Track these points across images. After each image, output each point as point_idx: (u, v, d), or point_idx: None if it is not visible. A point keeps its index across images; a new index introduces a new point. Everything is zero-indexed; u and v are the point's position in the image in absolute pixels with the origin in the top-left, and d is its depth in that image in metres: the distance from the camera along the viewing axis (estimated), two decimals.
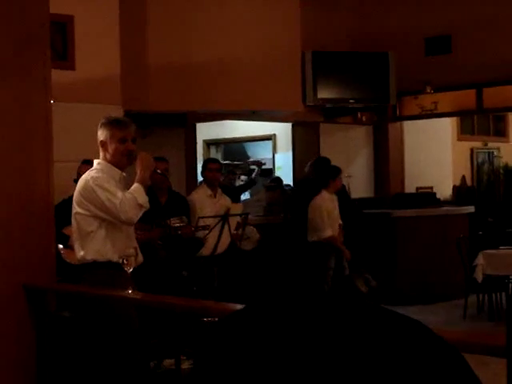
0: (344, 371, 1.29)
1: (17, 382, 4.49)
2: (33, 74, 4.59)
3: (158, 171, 4.90)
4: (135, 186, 4.32)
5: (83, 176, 4.42)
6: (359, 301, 1.48)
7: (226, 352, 1.43)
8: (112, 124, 4.35)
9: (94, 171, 4.33)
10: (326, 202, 7.94)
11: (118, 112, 7.26)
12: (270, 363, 1.39)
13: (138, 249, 4.45)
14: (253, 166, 10.19)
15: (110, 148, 4.31)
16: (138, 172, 4.37)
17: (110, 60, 7.70)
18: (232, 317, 1.60)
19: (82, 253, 4.30)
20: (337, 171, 8.19)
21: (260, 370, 1.41)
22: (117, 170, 4.36)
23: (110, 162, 4.34)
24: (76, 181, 5.88)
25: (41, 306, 4.53)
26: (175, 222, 6.12)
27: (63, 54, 7.34)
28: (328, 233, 7.85)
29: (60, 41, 7.27)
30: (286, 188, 10.09)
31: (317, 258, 7.75)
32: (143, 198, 4.29)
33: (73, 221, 4.39)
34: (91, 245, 4.27)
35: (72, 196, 5.49)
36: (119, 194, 4.23)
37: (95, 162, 4.43)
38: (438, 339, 1.33)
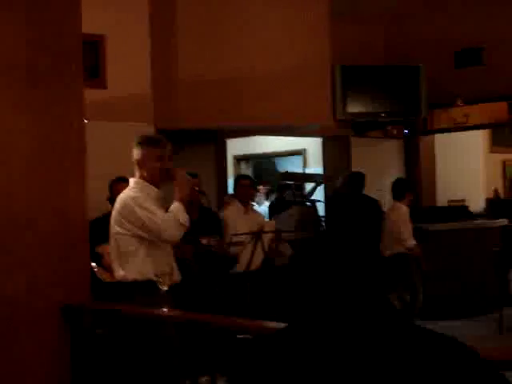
0: None
1: None
2: (68, 92, 4.63)
3: (196, 188, 4.95)
4: (176, 204, 4.34)
5: (121, 195, 4.44)
6: (395, 320, 1.46)
7: (262, 371, 1.42)
8: (149, 143, 4.40)
9: (132, 190, 4.36)
10: (407, 214, 8.24)
11: (149, 130, 7.31)
12: (308, 382, 1.37)
13: (176, 267, 4.46)
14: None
15: (147, 166, 4.35)
16: (177, 190, 4.39)
17: (141, 78, 7.75)
18: (270, 336, 1.58)
19: (122, 272, 4.32)
20: (409, 183, 8.63)
21: None
22: (154, 188, 4.39)
23: (146, 180, 4.37)
24: (110, 199, 5.94)
25: (77, 324, 4.54)
26: (206, 241, 6.11)
27: (95, 73, 7.40)
28: (413, 241, 8.17)
29: (92, 60, 7.33)
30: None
31: (400, 269, 7.93)
32: (184, 217, 4.31)
33: (111, 241, 4.41)
34: (132, 264, 4.28)
35: (105, 214, 5.53)
36: (160, 213, 4.26)
37: (131, 180, 4.46)
38: (476, 357, 1.31)
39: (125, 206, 4.31)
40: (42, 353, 4.46)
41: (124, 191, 4.46)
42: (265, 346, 1.55)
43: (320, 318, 1.52)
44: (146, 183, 4.37)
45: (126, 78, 7.62)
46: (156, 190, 4.40)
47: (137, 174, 4.43)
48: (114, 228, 4.37)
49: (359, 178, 8.89)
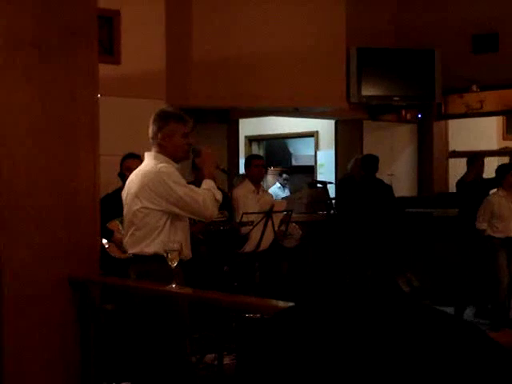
0: (396, 373, 1.25)
1: (61, 373, 4.51)
2: (80, 68, 4.61)
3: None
4: (208, 182, 4.34)
5: (146, 169, 4.30)
6: (410, 301, 1.44)
7: (271, 350, 1.40)
8: (176, 118, 4.34)
9: (160, 165, 4.25)
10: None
11: (162, 107, 7.28)
12: (315, 363, 1.35)
13: (189, 243, 4.44)
14: None
15: (172, 142, 4.29)
16: (205, 168, 4.42)
17: (155, 55, 7.72)
18: (279, 315, 1.56)
19: (140, 246, 4.26)
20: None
21: (304, 369, 1.38)
22: (174, 163, 4.35)
23: (168, 155, 4.31)
24: (120, 175, 5.93)
25: (85, 299, 4.55)
26: (218, 217, 6.11)
27: (109, 49, 7.38)
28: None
29: (106, 35, 7.30)
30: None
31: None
32: (219, 194, 4.34)
33: (133, 216, 4.29)
34: (157, 238, 4.22)
35: (116, 190, 5.52)
36: (200, 190, 4.26)
37: (150, 154, 4.37)
38: (493, 342, 1.29)
39: (157, 180, 4.20)
40: (49, 326, 4.47)
41: (148, 166, 4.32)
42: (273, 324, 1.52)
43: (328, 297, 1.49)
44: (167, 158, 4.30)
45: (140, 55, 7.59)
46: (176, 165, 4.35)
47: (156, 148, 4.34)
48: (141, 203, 4.24)
49: (373, 161, 8.84)
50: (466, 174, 8.64)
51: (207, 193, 4.26)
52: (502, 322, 7.78)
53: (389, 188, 8.91)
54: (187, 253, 4.39)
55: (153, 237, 4.24)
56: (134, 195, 4.30)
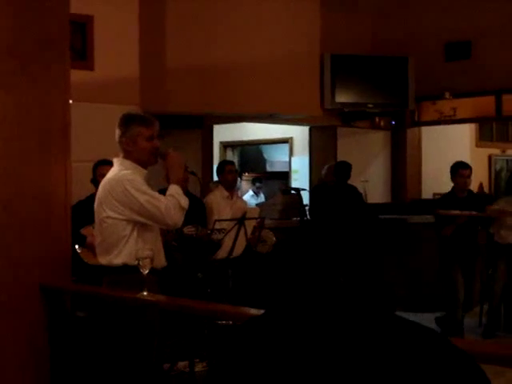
0: (360, 379, 1.27)
1: (31, 381, 4.48)
2: (52, 74, 4.59)
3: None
4: (174, 187, 4.14)
5: (111, 177, 4.15)
6: (375, 309, 1.45)
7: (242, 357, 1.40)
8: (139, 121, 4.16)
9: (124, 172, 4.09)
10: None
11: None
12: (285, 369, 1.36)
13: (162, 252, 4.33)
14: None
15: (137, 146, 4.12)
16: (170, 172, 4.19)
17: (128, 61, 7.70)
18: (250, 322, 1.57)
19: (109, 257, 4.13)
20: None
21: (274, 376, 1.38)
22: (142, 169, 4.17)
23: (134, 160, 4.15)
24: (94, 181, 5.89)
25: (56, 306, 4.52)
26: (189, 231, 6.08)
27: (82, 54, 7.34)
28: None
29: (79, 41, 7.27)
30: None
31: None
32: (185, 201, 4.12)
33: (99, 225, 4.17)
34: (124, 249, 4.08)
35: (90, 196, 5.47)
36: (162, 197, 4.05)
37: (117, 160, 4.20)
38: (453, 348, 1.31)
39: (119, 188, 4.04)
40: (20, 333, 4.43)
41: (113, 173, 4.17)
42: (244, 331, 1.54)
43: (300, 304, 1.51)
44: (134, 164, 4.14)
45: (114, 60, 7.56)
46: (144, 170, 4.18)
47: (122, 153, 4.18)
48: (105, 212, 4.10)
49: (345, 168, 8.90)
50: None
51: (171, 199, 4.06)
52: (494, 328, 7.83)
53: (359, 195, 8.97)
54: (160, 261, 4.28)
55: (119, 247, 4.09)
56: (99, 204, 4.17)
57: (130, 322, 4.14)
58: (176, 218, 4.08)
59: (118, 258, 4.11)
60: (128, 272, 4.06)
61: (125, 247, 4.09)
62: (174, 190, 4.13)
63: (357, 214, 8.26)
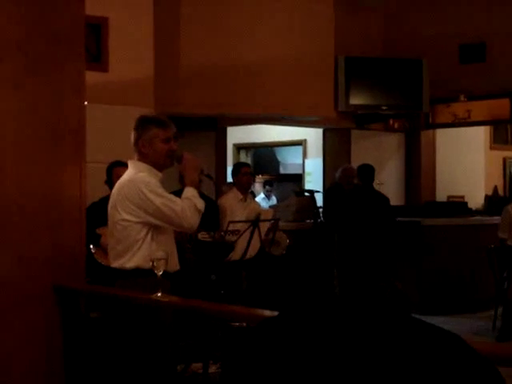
0: (377, 381, 1.25)
1: (45, 382, 4.49)
2: (67, 75, 4.60)
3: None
4: (190, 190, 4.11)
5: (126, 179, 4.13)
6: (392, 311, 1.44)
7: (256, 359, 1.40)
8: (157, 124, 4.14)
9: (141, 175, 4.07)
10: None
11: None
12: (300, 371, 1.35)
13: (175, 256, 4.29)
14: None
15: (153, 149, 4.09)
16: (186, 175, 4.17)
17: (143, 62, 7.72)
18: (264, 324, 1.56)
19: (122, 260, 4.09)
20: None
21: (289, 377, 1.37)
22: (157, 171, 4.15)
23: (150, 163, 4.12)
24: (108, 182, 5.90)
25: (69, 307, 4.52)
26: (204, 237, 6.07)
27: (97, 56, 7.37)
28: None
29: (94, 42, 7.30)
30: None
31: None
32: (201, 203, 4.09)
33: (113, 227, 4.13)
34: (138, 252, 4.05)
35: (103, 199, 5.47)
36: (179, 200, 4.03)
37: (132, 162, 4.19)
38: (472, 351, 1.29)
39: (135, 191, 4.01)
40: (34, 334, 4.44)
41: (128, 175, 4.15)
42: (258, 333, 1.53)
43: (315, 306, 1.50)
44: (148, 166, 4.11)
45: (128, 62, 7.58)
46: (159, 173, 4.16)
47: (137, 156, 4.15)
48: (120, 214, 4.06)
49: (369, 170, 8.86)
50: None
51: (187, 202, 4.03)
52: (509, 331, 7.79)
53: (386, 199, 8.91)
54: (174, 265, 4.24)
55: (133, 250, 4.06)
56: (113, 206, 4.14)
57: (143, 323, 4.14)
58: (192, 220, 4.06)
59: (130, 262, 4.08)
60: (140, 276, 4.04)
61: (139, 250, 4.06)
62: (190, 192, 4.10)
63: (380, 218, 8.25)
